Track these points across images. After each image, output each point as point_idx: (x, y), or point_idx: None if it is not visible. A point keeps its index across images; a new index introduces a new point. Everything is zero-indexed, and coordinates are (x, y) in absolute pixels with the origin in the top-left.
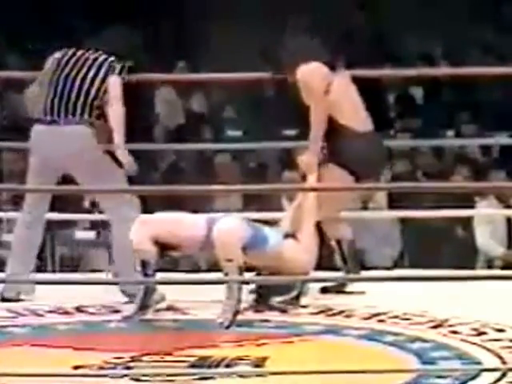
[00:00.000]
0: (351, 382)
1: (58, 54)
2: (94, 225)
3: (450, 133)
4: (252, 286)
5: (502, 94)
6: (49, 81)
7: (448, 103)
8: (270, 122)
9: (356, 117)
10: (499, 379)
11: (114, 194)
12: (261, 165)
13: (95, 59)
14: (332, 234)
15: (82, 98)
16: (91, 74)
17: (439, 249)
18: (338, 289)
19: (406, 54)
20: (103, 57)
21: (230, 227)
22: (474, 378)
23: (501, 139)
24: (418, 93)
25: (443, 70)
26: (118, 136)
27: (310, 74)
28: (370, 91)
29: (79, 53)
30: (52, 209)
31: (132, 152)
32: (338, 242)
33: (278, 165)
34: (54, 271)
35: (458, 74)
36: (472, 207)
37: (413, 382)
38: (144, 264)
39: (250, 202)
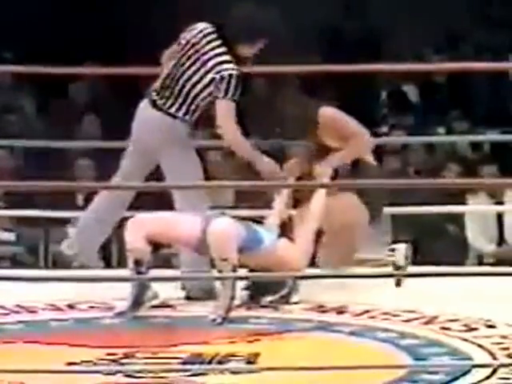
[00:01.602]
0: (343, 379)
1: (190, 34)
2: None
3: (441, 130)
4: (245, 283)
5: (493, 91)
6: (175, 60)
7: (439, 100)
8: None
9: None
10: (490, 375)
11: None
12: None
13: (208, 60)
14: None
15: (182, 96)
16: (196, 77)
17: (430, 245)
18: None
19: (397, 53)
20: (216, 60)
21: (225, 227)
22: (465, 374)
23: (492, 136)
24: (410, 90)
25: (433, 66)
26: (246, 155)
27: (338, 114)
28: (362, 89)
29: (203, 41)
30: (46, 206)
31: (123, 150)
32: None
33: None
34: (47, 268)
35: (450, 72)
36: (463, 204)
37: (404, 378)
38: (138, 262)
39: (242, 199)
